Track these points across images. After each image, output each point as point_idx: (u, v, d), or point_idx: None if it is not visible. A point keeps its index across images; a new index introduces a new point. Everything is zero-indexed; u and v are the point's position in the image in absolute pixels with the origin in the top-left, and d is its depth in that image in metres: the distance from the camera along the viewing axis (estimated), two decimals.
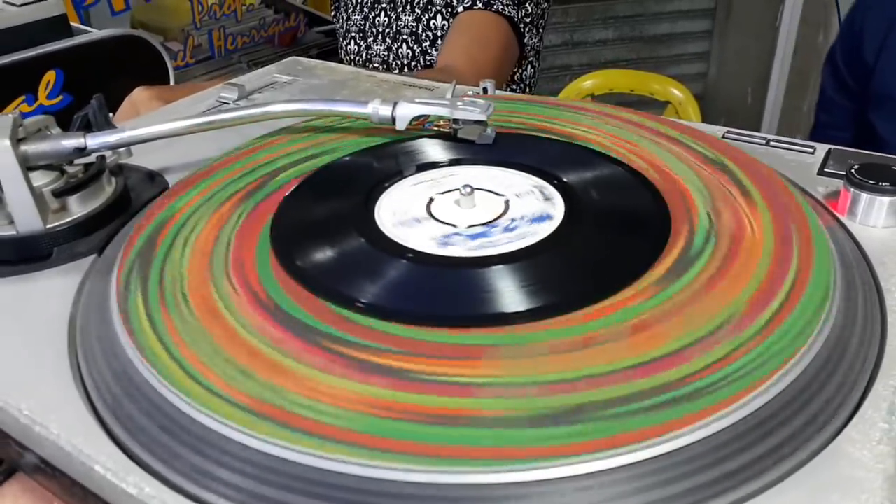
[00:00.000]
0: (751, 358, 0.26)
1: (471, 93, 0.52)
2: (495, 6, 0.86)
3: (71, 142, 0.40)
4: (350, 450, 0.23)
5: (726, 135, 0.45)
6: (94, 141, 0.41)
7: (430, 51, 0.95)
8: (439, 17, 0.92)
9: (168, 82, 1.00)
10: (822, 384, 0.26)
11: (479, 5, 0.86)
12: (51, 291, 0.36)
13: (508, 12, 0.86)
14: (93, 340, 0.31)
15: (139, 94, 0.67)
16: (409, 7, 0.94)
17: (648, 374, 0.25)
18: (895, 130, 0.90)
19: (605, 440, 0.22)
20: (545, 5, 0.94)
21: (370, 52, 1.02)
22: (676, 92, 1.41)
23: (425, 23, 0.93)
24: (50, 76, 0.89)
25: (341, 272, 0.32)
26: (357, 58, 1.04)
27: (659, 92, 1.42)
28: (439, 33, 0.93)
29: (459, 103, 0.43)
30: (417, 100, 0.43)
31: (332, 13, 1.15)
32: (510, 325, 0.28)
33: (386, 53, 0.99)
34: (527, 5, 0.89)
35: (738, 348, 0.26)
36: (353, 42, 1.04)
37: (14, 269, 0.38)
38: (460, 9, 0.88)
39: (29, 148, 0.39)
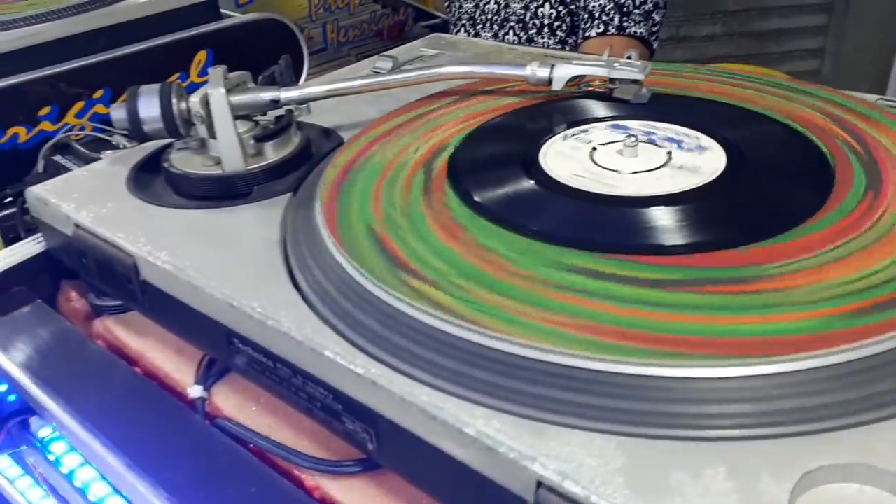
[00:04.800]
0: None
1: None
2: (629, 29, 0.87)
3: (268, 94, 0.45)
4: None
5: (879, 101, 0.46)
6: (286, 94, 0.46)
7: (536, 38, 0.97)
8: (547, 5, 0.95)
9: (303, 65, 1.07)
10: None
11: (612, 30, 0.88)
12: (256, 220, 0.41)
13: (641, 33, 0.88)
14: (307, 257, 0.35)
15: None
16: None
17: None
18: None
19: None
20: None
21: (478, 39, 1.05)
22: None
23: (533, 11, 0.96)
24: (201, 56, 0.97)
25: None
26: None
27: None
28: (546, 21, 0.95)
29: (616, 64, 0.45)
30: (574, 61, 0.46)
31: (446, 3, 1.19)
32: None
33: (493, 40, 1.02)
34: (654, 15, 0.90)
35: None
36: (462, 30, 1.08)
37: (219, 203, 0.43)
38: (592, 33, 0.89)
39: (234, 98, 0.44)
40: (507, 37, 1.01)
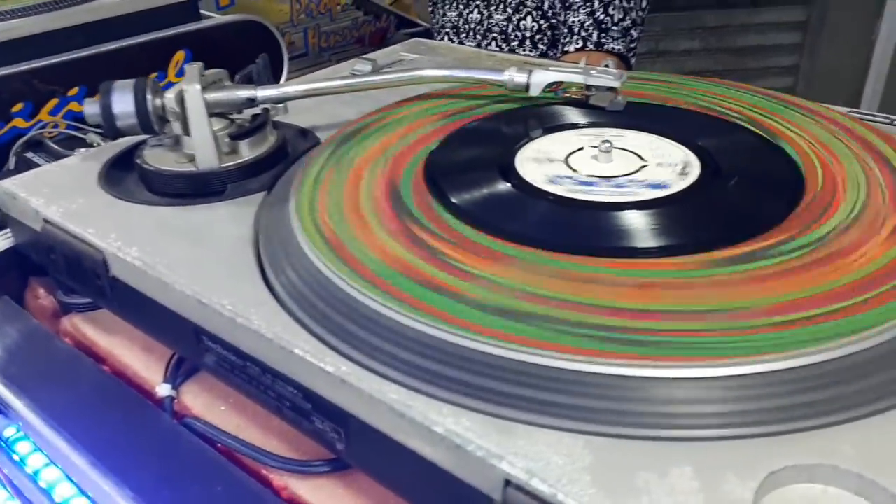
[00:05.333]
0: None
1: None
2: (606, 45, 0.88)
3: (244, 92, 0.45)
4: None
5: (850, 113, 0.47)
6: (262, 93, 0.45)
7: (517, 50, 0.98)
8: (529, 18, 0.96)
9: (282, 67, 1.06)
10: None
11: (591, 46, 0.89)
12: (229, 218, 0.40)
13: (619, 49, 0.89)
14: (280, 255, 0.35)
15: None
16: (501, 6, 0.98)
17: None
18: None
19: None
20: (644, 16, 0.96)
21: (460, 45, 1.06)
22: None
23: (515, 23, 0.97)
24: (179, 56, 0.97)
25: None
26: None
27: None
28: (528, 34, 0.96)
29: (593, 71, 0.45)
30: (552, 68, 0.46)
31: (430, 9, 1.20)
32: None
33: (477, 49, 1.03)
34: (632, 32, 0.91)
35: None
36: (446, 38, 1.09)
37: (194, 200, 0.42)
38: (571, 48, 0.90)
39: (209, 96, 0.44)
40: (489, 47, 1.01)
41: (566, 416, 0.25)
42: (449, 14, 1.08)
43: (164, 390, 0.38)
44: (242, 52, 1.04)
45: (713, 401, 0.25)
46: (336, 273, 0.31)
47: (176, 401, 0.38)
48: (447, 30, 1.09)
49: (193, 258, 0.37)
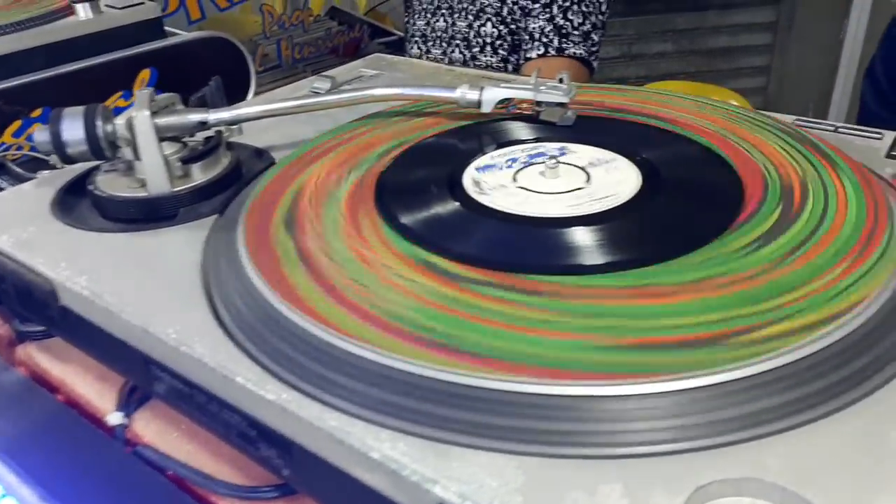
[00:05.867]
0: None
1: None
2: (568, 50, 0.89)
3: (195, 116, 0.45)
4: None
5: (796, 122, 0.48)
6: (214, 116, 0.46)
7: (479, 56, 0.99)
8: (489, 24, 0.97)
9: (249, 83, 1.06)
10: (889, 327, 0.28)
11: (552, 52, 0.90)
12: (179, 243, 0.40)
13: (580, 54, 0.90)
14: (226, 280, 0.35)
15: None
16: (463, 13, 0.99)
17: None
18: None
19: None
20: (604, 19, 0.97)
21: (429, 56, 1.07)
22: (736, 104, 1.41)
23: (476, 29, 0.98)
24: (145, 74, 0.96)
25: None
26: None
27: None
28: (488, 40, 0.98)
29: (542, 87, 0.46)
30: (503, 84, 0.47)
31: (405, 19, 1.21)
32: None
33: (442, 57, 1.04)
34: (593, 35, 0.92)
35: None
36: (415, 46, 1.10)
37: (145, 225, 0.42)
38: (533, 54, 0.91)
39: (160, 120, 0.44)
40: (453, 53, 1.02)
41: (499, 436, 0.26)
42: (418, 23, 1.09)
43: (115, 419, 0.38)
44: (209, 68, 1.04)
45: (642, 417, 0.25)
46: (278, 299, 0.32)
47: (128, 429, 0.38)
48: (416, 38, 1.10)
49: (142, 286, 0.37)
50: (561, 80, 0.55)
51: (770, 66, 2.34)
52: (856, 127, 0.46)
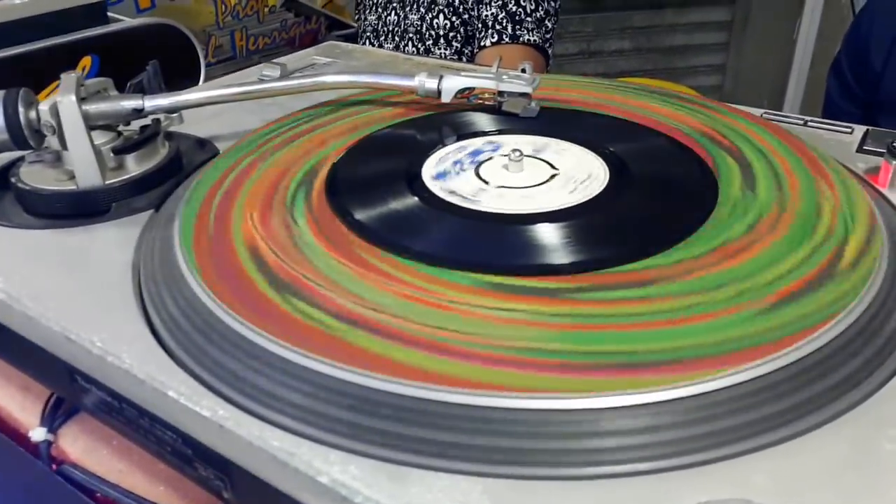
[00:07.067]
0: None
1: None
2: (522, 37, 0.88)
3: (129, 103, 0.41)
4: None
5: (765, 115, 0.46)
6: (151, 103, 0.42)
7: (433, 49, 0.97)
8: (441, 16, 0.95)
9: (199, 72, 1.02)
10: (875, 331, 0.26)
11: (507, 39, 0.88)
12: (111, 241, 0.37)
13: (535, 40, 0.88)
14: (160, 282, 0.32)
15: None
16: (415, 6, 0.97)
17: None
18: None
19: None
20: (557, 6, 0.96)
21: (377, 49, 1.04)
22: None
23: (429, 22, 0.96)
24: (86, 61, 0.91)
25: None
26: None
27: None
28: (441, 32, 0.96)
29: (505, 76, 0.44)
30: (463, 73, 0.44)
31: (356, 16, 1.17)
32: None
33: (394, 52, 1.01)
34: (546, 22, 0.91)
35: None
36: (367, 42, 1.07)
37: (74, 221, 0.39)
38: (487, 42, 0.89)
39: (90, 107, 0.40)
40: (406, 48, 1.00)
41: (463, 457, 0.23)
42: (369, 18, 1.07)
43: (38, 434, 0.34)
44: (156, 56, 1.00)
45: (616, 433, 0.23)
46: (213, 300, 0.29)
47: (53, 445, 0.35)
48: (368, 34, 1.08)
49: (67, 288, 0.33)
50: (524, 70, 0.53)
51: (725, 64, 2.37)
52: (825, 121, 0.45)
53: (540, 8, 0.90)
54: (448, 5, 0.94)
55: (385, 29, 1.02)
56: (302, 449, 0.24)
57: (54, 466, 0.34)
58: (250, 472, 0.25)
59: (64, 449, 0.35)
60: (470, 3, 0.93)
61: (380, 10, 1.03)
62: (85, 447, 0.34)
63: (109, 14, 1.00)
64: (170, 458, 0.29)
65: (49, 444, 0.35)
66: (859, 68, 0.95)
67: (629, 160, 0.38)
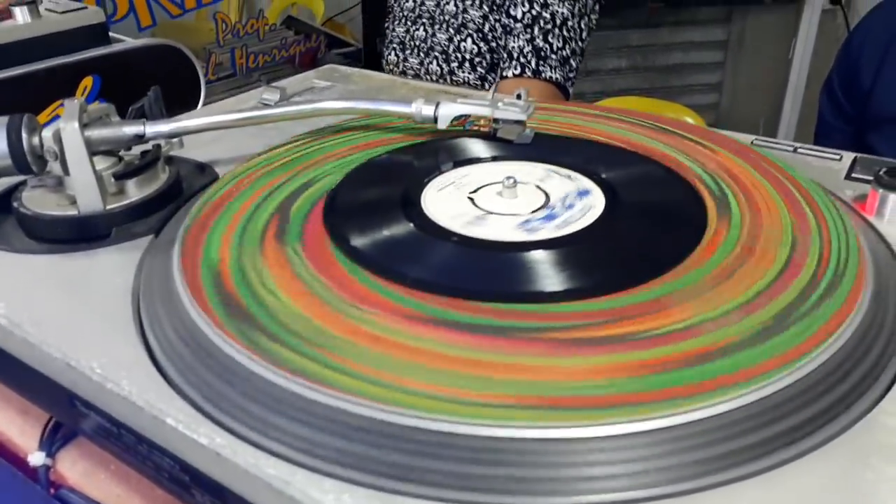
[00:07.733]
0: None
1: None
2: (544, 73, 0.87)
3: (131, 129, 0.42)
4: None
5: (755, 142, 0.47)
6: (151, 129, 0.43)
7: (457, 72, 0.97)
8: (470, 40, 0.95)
9: (199, 92, 1.03)
10: (858, 359, 0.27)
11: (529, 73, 0.87)
12: (111, 266, 0.37)
13: (556, 78, 0.88)
14: (158, 308, 0.32)
15: None
16: (444, 25, 0.97)
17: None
18: (894, 152, 0.91)
19: None
20: (584, 45, 0.95)
21: (406, 64, 1.04)
22: (690, 120, 1.43)
23: (456, 44, 0.96)
24: (87, 81, 0.92)
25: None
26: (395, 68, 1.08)
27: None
28: (468, 56, 0.95)
29: (500, 104, 0.44)
30: (459, 100, 0.45)
31: (385, 24, 1.18)
32: None
33: (419, 67, 1.02)
34: (571, 61, 0.90)
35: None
36: (393, 53, 1.07)
37: (75, 246, 0.39)
38: (509, 74, 0.89)
39: (92, 133, 0.41)
40: (431, 65, 1.00)
41: (457, 486, 0.24)
42: (398, 30, 1.06)
43: (37, 459, 0.35)
44: (157, 77, 1.01)
45: (599, 463, 0.23)
46: (211, 327, 0.29)
47: (52, 470, 0.35)
48: (394, 45, 1.07)
49: (67, 313, 0.34)
50: (519, 97, 0.54)
51: (722, 82, 2.39)
52: (815, 147, 0.46)
53: (567, 47, 0.89)
54: (478, 30, 0.93)
55: (412, 43, 1.01)
56: (297, 477, 0.24)
57: (53, 490, 0.35)
58: (246, 499, 0.26)
59: (62, 473, 0.35)
60: (499, 31, 0.92)
61: (409, 23, 1.03)
62: (83, 471, 0.35)
63: (111, 34, 1.01)
64: (167, 484, 0.30)
65: (48, 468, 0.35)
66: (850, 86, 0.97)
67: (619, 187, 0.39)
